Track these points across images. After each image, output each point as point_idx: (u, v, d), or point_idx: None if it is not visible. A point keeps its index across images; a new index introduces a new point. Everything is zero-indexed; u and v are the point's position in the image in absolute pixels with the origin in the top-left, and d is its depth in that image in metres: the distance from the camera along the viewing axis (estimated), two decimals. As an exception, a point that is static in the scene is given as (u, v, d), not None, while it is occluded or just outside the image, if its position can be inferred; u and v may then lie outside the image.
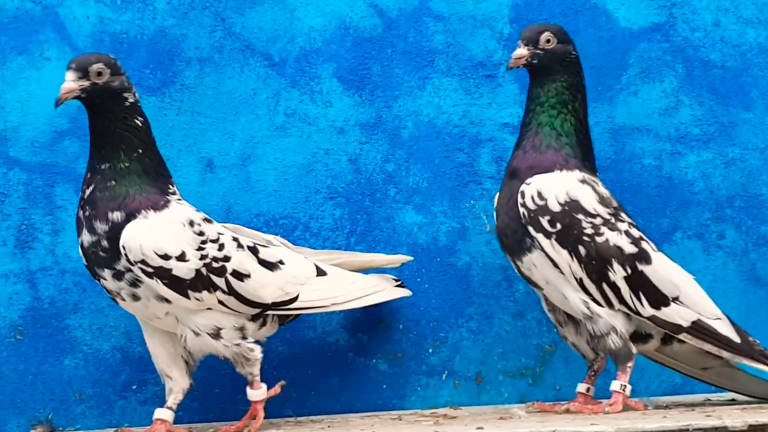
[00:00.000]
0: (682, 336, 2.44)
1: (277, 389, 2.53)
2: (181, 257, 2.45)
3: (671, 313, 2.43)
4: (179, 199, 2.49)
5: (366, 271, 2.65)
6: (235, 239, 2.49)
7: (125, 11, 2.81)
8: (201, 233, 2.48)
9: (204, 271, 2.45)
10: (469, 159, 2.91)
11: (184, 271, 2.44)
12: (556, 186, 2.41)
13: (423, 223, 2.92)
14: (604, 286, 2.42)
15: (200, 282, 2.45)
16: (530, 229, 2.40)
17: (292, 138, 2.83)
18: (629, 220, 2.46)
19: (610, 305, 2.43)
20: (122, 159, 2.44)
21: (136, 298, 2.46)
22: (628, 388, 2.45)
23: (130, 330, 2.84)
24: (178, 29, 2.83)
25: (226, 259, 2.49)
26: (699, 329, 2.44)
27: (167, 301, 2.43)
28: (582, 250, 2.41)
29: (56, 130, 2.78)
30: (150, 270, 2.42)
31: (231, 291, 2.47)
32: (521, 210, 2.41)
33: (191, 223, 2.47)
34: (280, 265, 2.54)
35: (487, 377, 2.89)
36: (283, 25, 2.87)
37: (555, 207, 2.41)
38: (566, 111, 2.47)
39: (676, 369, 2.60)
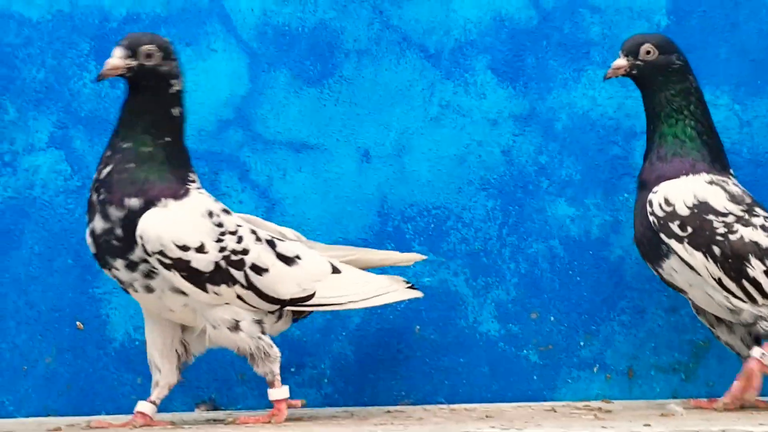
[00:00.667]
0: None
1: (297, 403, 2.50)
2: (201, 249, 2.32)
3: None
4: (199, 188, 2.38)
5: (378, 269, 2.57)
6: (254, 232, 2.37)
7: (287, 4, 2.81)
8: (220, 224, 2.35)
9: (223, 263, 2.33)
10: (624, 152, 2.85)
11: (203, 263, 2.32)
12: (683, 190, 2.39)
13: (575, 216, 2.87)
14: (744, 282, 2.38)
15: (219, 275, 2.33)
16: (662, 236, 2.38)
17: (446, 129, 2.78)
18: (765, 214, 2.41)
19: (754, 301, 2.39)
20: (147, 143, 2.32)
21: (149, 289, 2.33)
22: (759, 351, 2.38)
23: (291, 314, 2.80)
24: (337, 22, 2.81)
25: (245, 252, 2.36)
26: None
27: (183, 293, 2.30)
28: (716, 249, 2.37)
29: (221, 119, 2.79)
30: (168, 261, 2.29)
31: (250, 285, 2.36)
32: (651, 219, 2.40)
33: (210, 214, 2.35)
34: (297, 260, 2.41)
35: (639, 372, 2.82)
36: (439, 17, 2.83)
37: (683, 211, 2.38)
38: (683, 116, 2.44)
39: None
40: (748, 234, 2.38)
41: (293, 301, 2.39)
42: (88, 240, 2.33)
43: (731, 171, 2.47)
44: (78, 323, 2.70)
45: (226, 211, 2.37)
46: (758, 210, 2.40)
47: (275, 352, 2.39)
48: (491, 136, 2.90)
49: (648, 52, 2.46)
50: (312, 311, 2.45)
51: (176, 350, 2.43)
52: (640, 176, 2.47)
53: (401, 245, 2.84)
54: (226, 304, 2.33)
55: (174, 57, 2.35)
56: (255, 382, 2.82)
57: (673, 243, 2.38)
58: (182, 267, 2.29)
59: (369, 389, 2.74)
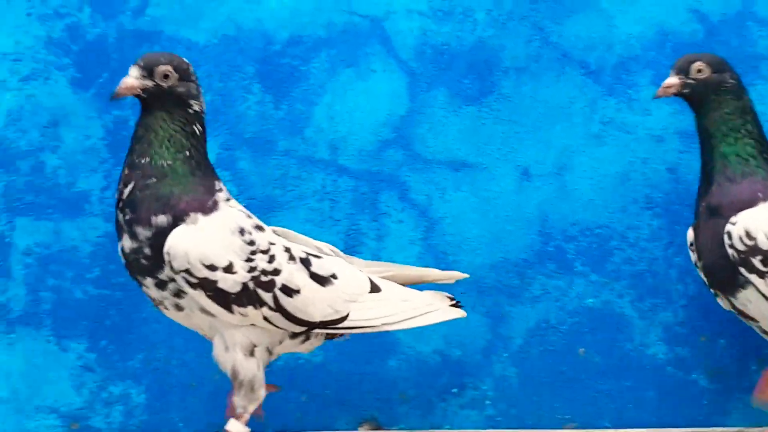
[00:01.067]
0: None
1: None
2: (228, 269, 2.19)
3: None
4: (228, 199, 2.26)
5: (419, 285, 2.41)
6: (287, 249, 2.24)
7: (446, 23, 2.76)
8: (251, 242, 2.22)
9: (251, 285, 2.20)
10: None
11: (230, 283, 2.20)
12: (764, 222, 2.25)
13: (745, 235, 2.66)
14: None
15: (246, 296, 2.20)
16: (742, 270, 2.25)
17: (608, 147, 2.68)
18: None
19: None
20: (165, 156, 2.21)
21: (179, 308, 2.23)
22: None
23: (449, 334, 2.80)
24: (496, 39, 2.75)
25: (276, 272, 2.23)
26: None
27: (211, 313, 2.20)
28: None
29: (381, 139, 2.76)
30: (194, 281, 2.17)
31: (278, 307, 2.22)
32: (730, 251, 2.26)
33: (242, 231, 2.23)
34: (333, 280, 2.27)
35: (815, 398, 2.62)
36: (601, 32, 2.73)
37: (766, 245, 2.25)
38: (740, 135, 2.33)
39: None
40: None
41: (323, 324, 2.26)
42: (121, 257, 2.25)
43: None
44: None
45: (259, 227, 2.25)
46: None
47: (261, 393, 2.28)
48: (656, 153, 2.79)
49: (699, 71, 2.35)
50: (346, 333, 2.31)
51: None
52: (706, 200, 2.34)
53: (563, 265, 2.77)
54: (252, 325, 2.22)
55: (192, 78, 2.25)
56: (416, 402, 2.76)
57: (754, 278, 2.25)
58: (208, 287, 2.18)
59: (532, 412, 2.68)
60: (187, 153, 2.23)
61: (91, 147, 2.80)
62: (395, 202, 2.82)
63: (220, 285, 2.18)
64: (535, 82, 2.86)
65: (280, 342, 2.28)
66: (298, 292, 2.24)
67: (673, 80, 2.36)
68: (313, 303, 2.24)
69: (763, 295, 2.26)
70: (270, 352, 2.27)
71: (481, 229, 2.68)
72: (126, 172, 2.23)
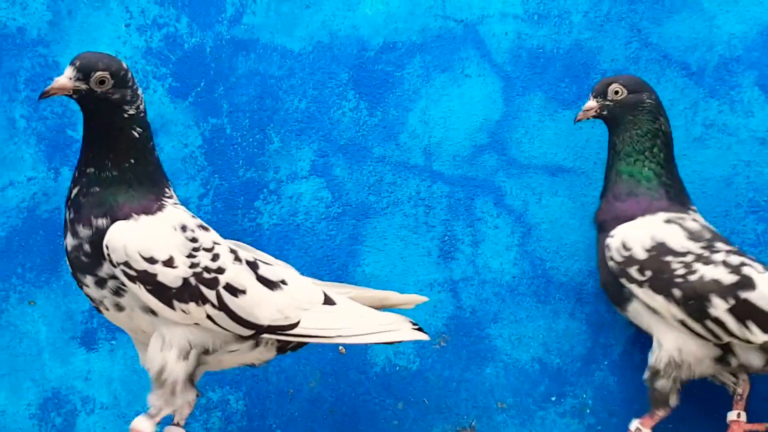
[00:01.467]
0: None
1: None
2: (169, 262, 2.14)
3: None
4: (176, 204, 2.22)
5: (383, 309, 2.36)
6: (233, 251, 2.20)
7: (542, 26, 2.70)
8: (194, 239, 2.18)
9: (193, 280, 2.15)
10: None
11: (170, 277, 2.14)
12: (640, 233, 2.30)
13: None
14: (708, 322, 2.27)
15: (188, 292, 2.14)
16: (623, 281, 2.30)
17: (710, 150, 2.58)
18: (727, 248, 2.30)
19: (719, 339, 2.29)
20: (109, 167, 2.17)
21: (120, 308, 2.18)
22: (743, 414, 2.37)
23: (548, 341, 2.75)
24: (593, 42, 2.69)
25: (220, 270, 2.18)
26: None
27: (153, 312, 2.14)
28: (677, 292, 2.28)
29: (476, 144, 2.72)
30: (133, 273, 2.12)
31: (222, 306, 2.17)
32: (610, 263, 2.31)
33: (183, 228, 2.18)
34: (282, 285, 2.23)
35: None
36: (702, 33, 2.65)
37: (641, 255, 2.29)
38: (644, 157, 2.37)
39: None
40: (709, 272, 2.27)
41: (272, 329, 2.21)
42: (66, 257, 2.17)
43: (692, 206, 2.39)
44: (340, 348, 2.65)
45: (203, 227, 2.21)
46: (719, 245, 2.30)
47: (178, 401, 2.24)
48: (760, 156, 2.72)
49: (617, 92, 2.41)
50: (302, 343, 2.27)
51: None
52: (596, 216, 2.39)
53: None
54: (195, 324, 2.17)
55: (128, 84, 2.19)
56: (515, 410, 2.73)
57: (634, 288, 2.29)
58: (148, 280, 2.12)
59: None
60: (132, 161, 2.20)
61: (189, 155, 2.81)
62: (491, 208, 2.77)
63: (160, 278, 2.13)
64: (634, 84, 2.75)
65: (222, 346, 2.22)
66: (243, 292, 2.19)
67: (591, 104, 2.41)
68: (260, 305, 2.19)
69: (645, 304, 2.29)
70: (206, 355, 2.23)
71: (579, 235, 2.62)
72: (76, 174, 2.19)
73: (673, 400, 2.39)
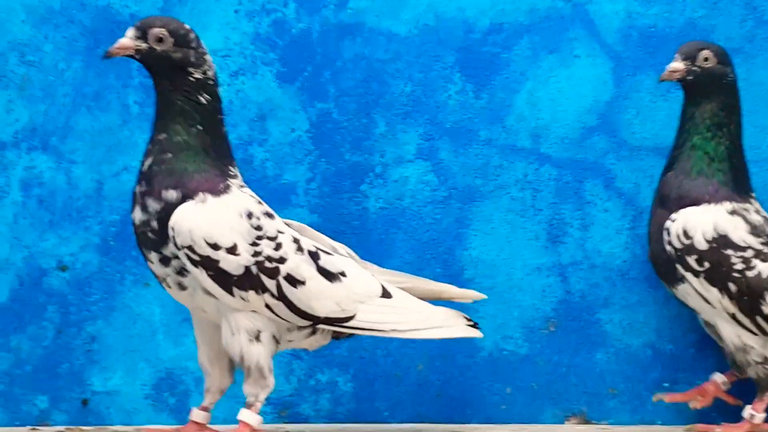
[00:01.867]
0: None
1: None
2: (232, 250, 2.13)
3: None
4: (242, 185, 2.21)
5: (436, 302, 2.34)
6: (296, 240, 2.18)
7: (653, 5, 2.66)
8: (259, 227, 2.17)
9: (254, 269, 2.14)
10: None
11: (233, 265, 2.14)
12: (703, 222, 2.27)
13: None
14: (758, 318, 2.28)
15: (248, 280, 2.14)
16: (678, 267, 2.27)
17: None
18: None
19: (766, 334, 2.30)
20: (180, 131, 2.16)
21: (182, 287, 2.17)
22: (759, 416, 2.36)
23: (661, 327, 2.72)
24: (707, 20, 2.63)
25: (282, 260, 2.17)
26: None
27: (212, 295, 2.13)
28: (732, 287, 2.27)
29: (585, 126, 2.68)
30: (196, 258, 2.12)
31: (281, 296, 2.16)
32: (668, 248, 2.28)
33: (249, 215, 2.17)
34: (341, 277, 2.21)
35: None
36: (821, 9, 2.53)
37: (702, 245, 2.27)
38: (721, 134, 2.32)
39: None
40: (766, 270, 2.26)
41: (329, 320, 2.21)
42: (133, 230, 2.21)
43: (753, 194, 2.35)
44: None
45: (268, 215, 2.19)
46: None
47: (271, 381, 2.23)
48: None
49: (706, 59, 2.33)
50: (354, 333, 2.25)
51: (225, 352, 2.22)
52: (660, 188, 2.34)
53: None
54: (253, 311, 2.15)
55: (191, 45, 2.18)
56: (627, 396, 2.67)
57: (689, 276, 2.27)
58: (210, 266, 2.12)
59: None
60: (200, 127, 2.18)
61: (297, 139, 2.81)
62: (600, 191, 2.71)
63: (222, 265, 2.13)
64: (749, 63, 2.70)
65: (288, 331, 2.23)
66: (303, 283, 2.18)
67: (678, 65, 2.32)
68: (318, 297, 2.19)
69: (698, 293, 2.27)
70: (277, 341, 2.22)
71: (691, 218, 2.52)
72: (149, 146, 2.20)
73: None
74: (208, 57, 2.22)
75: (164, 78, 2.18)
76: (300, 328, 2.23)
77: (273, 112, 2.79)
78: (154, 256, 2.18)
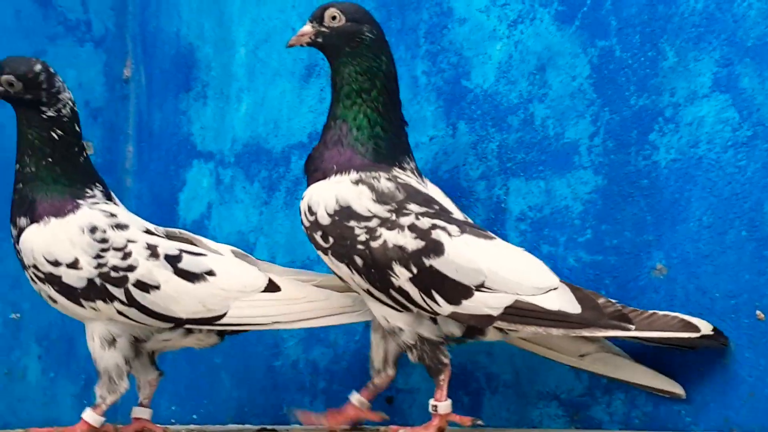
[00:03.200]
0: (498, 324, 2.06)
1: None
2: (73, 264, 2.23)
3: (476, 305, 2.06)
4: (96, 203, 2.27)
5: None
6: (151, 247, 2.23)
7: None
8: (103, 240, 2.24)
9: (98, 280, 2.22)
10: None
11: (74, 278, 2.23)
12: (325, 196, 2.11)
13: None
14: (392, 292, 2.08)
15: (93, 291, 2.23)
16: (314, 245, 2.11)
17: None
18: (421, 210, 2.09)
19: (408, 310, 2.08)
20: (29, 163, 2.26)
21: (53, 300, 2.28)
22: (443, 404, 2.13)
23: None
24: None
25: (131, 268, 2.23)
26: (518, 312, 2.04)
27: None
28: (358, 260, 2.09)
29: None
30: (41, 275, 2.24)
31: (132, 302, 2.23)
32: (303, 228, 2.13)
33: (93, 230, 2.24)
34: (207, 277, 2.24)
35: None
36: None
37: (325, 220, 2.11)
38: (361, 101, 2.15)
39: (556, 359, 2.23)
40: (392, 238, 2.07)
41: (193, 320, 2.25)
42: None
43: (407, 163, 2.17)
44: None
45: (119, 226, 2.25)
46: (411, 206, 2.08)
47: (123, 385, 2.29)
48: None
49: (333, 18, 2.16)
50: (241, 330, 2.27)
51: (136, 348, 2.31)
52: (304, 166, 2.20)
53: None
54: (109, 319, 2.24)
55: (41, 86, 2.27)
56: None
57: (321, 255, 2.11)
58: (54, 281, 2.24)
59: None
60: (50, 159, 2.28)
61: (578, 89, 2.38)
62: None
63: (65, 280, 2.23)
64: None
65: (151, 335, 2.31)
66: (157, 287, 2.24)
67: (306, 28, 2.16)
68: (176, 299, 2.24)
69: (335, 273, 2.13)
70: (141, 343, 2.31)
71: None
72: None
73: None
74: (63, 95, 2.31)
75: (21, 115, 2.31)
76: (171, 329, 2.30)
77: (552, 60, 2.38)
78: (27, 274, 2.31)
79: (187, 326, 2.29)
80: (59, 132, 2.31)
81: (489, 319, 2.06)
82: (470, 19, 2.51)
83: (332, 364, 2.60)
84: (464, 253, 2.07)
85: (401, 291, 2.07)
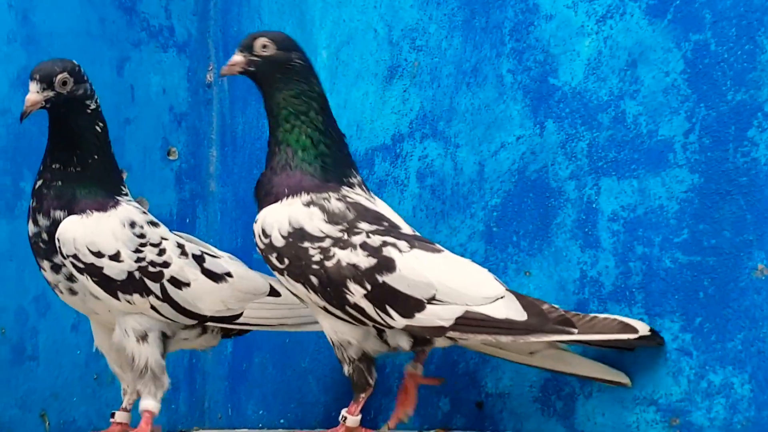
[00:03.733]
0: (450, 335, 2.12)
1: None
2: (115, 257, 2.26)
3: (428, 317, 2.11)
4: (129, 200, 2.33)
5: None
6: (180, 246, 2.30)
7: None
8: (142, 235, 2.29)
9: (137, 274, 2.26)
10: None
11: (115, 271, 2.26)
12: (279, 218, 2.15)
13: None
14: (348, 308, 2.12)
15: (132, 285, 2.26)
16: (269, 268, 2.15)
17: None
18: (371, 228, 2.14)
19: (364, 324, 2.13)
20: (75, 163, 2.29)
21: (73, 292, 2.31)
22: (352, 419, 2.20)
23: None
24: None
25: (165, 264, 2.29)
26: (468, 322, 2.10)
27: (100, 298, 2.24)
28: (314, 279, 2.13)
29: None
30: (81, 266, 2.24)
31: (166, 298, 2.29)
32: (258, 250, 2.16)
33: (132, 224, 2.29)
34: (227, 278, 2.34)
35: None
36: None
37: (279, 242, 2.15)
38: (299, 122, 2.19)
39: (507, 358, 2.29)
40: (345, 257, 2.12)
41: (215, 318, 2.33)
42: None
43: (353, 177, 2.21)
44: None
45: (153, 224, 2.31)
46: (362, 225, 2.14)
47: (165, 380, 2.32)
48: None
49: (264, 47, 2.20)
50: (246, 330, 2.40)
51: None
52: (255, 193, 2.22)
53: None
54: (140, 313, 2.28)
55: (85, 79, 2.31)
56: None
57: (277, 275, 2.15)
58: (94, 273, 2.25)
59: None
60: (96, 157, 2.31)
61: (671, 84, 2.30)
62: None
63: (106, 271, 2.25)
64: None
65: (175, 332, 2.36)
66: (188, 285, 2.31)
67: (237, 58, 2.20)
68: (203, 297, 2.31)
69: (291, 292, 2.20)
70: (167, 339, 2.33)
71: None
72: (41, 168, 2.31)
73: None
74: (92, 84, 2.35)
75: (65, 115, 2.31)
76: (191, 327, 2.36)
77: (644, 55, 2.29)
78: (46, 264, 2.31)
79: (208, 324, 2.36)
80: (100, 124, 2.34)
81: (441, 330, 2.11)
82: (557, 15, 2.43)
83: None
84: (415, 268, 2.12)
85: (356, 307, 2.11)
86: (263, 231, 2.17)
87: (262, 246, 2.17)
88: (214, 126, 3.10)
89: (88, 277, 2.25)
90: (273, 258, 2.16)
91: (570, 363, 2.28)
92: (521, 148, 2.50)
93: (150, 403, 2.31)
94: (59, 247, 2.25)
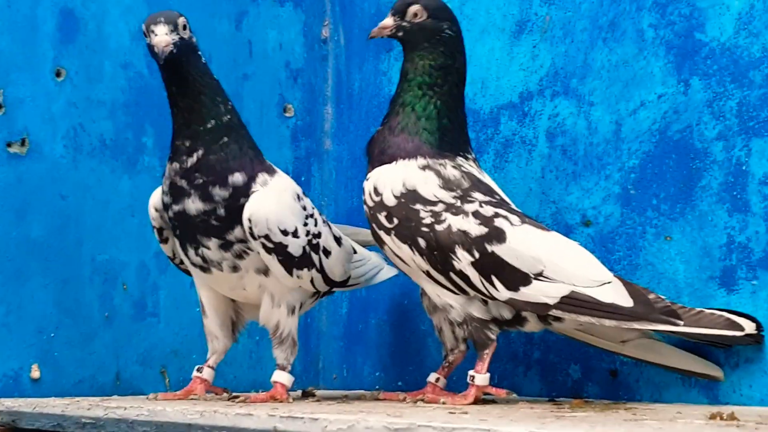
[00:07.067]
0: (554, 313, 2.05)
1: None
2: (295, 233, 2.15)
3: (533, 293, 2.05)
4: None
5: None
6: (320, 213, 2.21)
7: None
8: (304, 207, 2.18)
9: (307, 248, 2.16)
10: None
11: (295, 247, 2.15)
12: (393, 178, 2.10)
13: None
14: (452, 275, 2.07)
15: (303, 260, 2.17)
16: (373, 226, 2.11)
17: None
18: (485, 198, 2.09)
19: (465, 293, 2.08)
20: (222, 112, 2.13)
21: (235, 269, 2.15)
22: (481, 377, 2.10)
23: None
24: None
25: (319, 235, 2.19)
26: (573, 302, 2.04)
27: (264, 274, 2.15)
28: (422, 242, 2.08)
29: None
30: (270, 246, 2.12)
31: (320, 269, 2.20)
32: (364, 208, 2.13)
33: (298, 197, 2.17)
34: (342, 241, 2.27)
35: None
36: None
37: (390, 201, 2.10)
38: (432, 93, 2.14)
39: (597, 345, 2.21)
40: (457, 223, 2.07)
41: (340, 283, 2.29)
42: (166, 220, 2.22)
43: (468, 153, 2.16)
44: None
45: (303, 192, 2.20)
46: (475, 194, 2.09)
47: (297, 346, 2.23)
48: None
49: (416, 14, 2.15)
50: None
51: (231, 318, 2.28)
52: (367, 147, 2.17)
53: None
54: (298, 287, 2.19)
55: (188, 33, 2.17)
56: None
57: (382, 234, 2.10)
58: (281, 251, 2.13)
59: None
60: (229, 104, 2.18)
61: None
62: None
63: (289, 249, 2.15)
64: None
65: (306, 301, 2.29)
66: (330, 252, 2.24)
67: (388, 21, 2.15)
68: (336, 264, 2.26)
69: (393, 253, 2.11)
70: (300, 310, 2.26)
71: None
72: (187, 143, 2.12)
73: None
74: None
75: (183, 69, 2.17)
76: (313, 295, 2.28)
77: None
78: (213, 242, 2.14)
79: (334, 289, 2.32)
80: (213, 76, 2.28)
81: (545, 307, 2.05)
82: (704, -35, 2.22)
83: (547, 333, 2.36)
84: (525, 242, 2.06)
85: (461, 275, 2.05)
86: (375, 189, 2.11)
87: (371, 203, 2.12)
88: (329, 83, 2.93)
89: (275, 256, 2.14)
90: (382, 217, 2.10)
91: (663, 354, 2.20)
92: (663, 107, 2.30)
93: (284, 376, 2.24)
94: (249, 228, 2.12)
